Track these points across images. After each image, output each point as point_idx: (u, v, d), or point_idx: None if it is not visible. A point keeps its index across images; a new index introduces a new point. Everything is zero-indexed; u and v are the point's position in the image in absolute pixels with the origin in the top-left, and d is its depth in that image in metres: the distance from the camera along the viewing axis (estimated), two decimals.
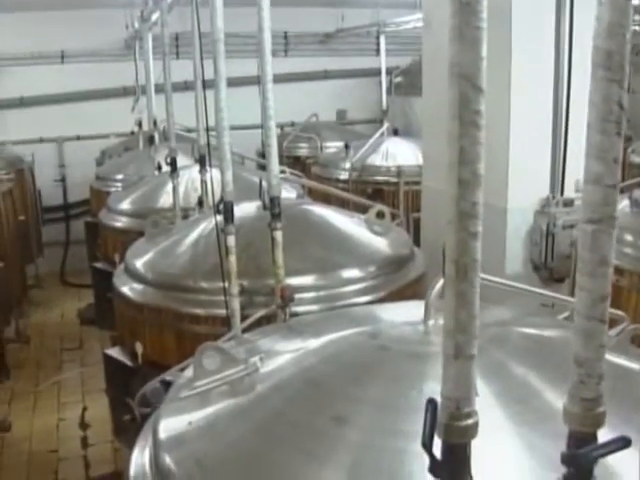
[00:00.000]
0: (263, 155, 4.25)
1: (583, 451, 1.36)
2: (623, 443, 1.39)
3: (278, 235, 3.56)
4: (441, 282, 2.35)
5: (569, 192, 4.61)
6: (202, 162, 5.73)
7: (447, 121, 1.26)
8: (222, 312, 3.70)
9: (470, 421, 1.35)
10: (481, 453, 1.41)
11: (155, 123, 8.63)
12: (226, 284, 3.66)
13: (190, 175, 6.49)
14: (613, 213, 1.27)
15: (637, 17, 9.46)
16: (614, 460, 1.45)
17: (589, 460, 1.36)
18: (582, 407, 1.36)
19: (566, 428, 1.40)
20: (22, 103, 11.44)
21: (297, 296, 3.61)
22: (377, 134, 9.64)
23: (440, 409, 1.36)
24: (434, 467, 1.38)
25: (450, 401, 1.34)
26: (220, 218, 3.71)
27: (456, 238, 1.28)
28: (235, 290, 3.64)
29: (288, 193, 6.38)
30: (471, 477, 1.39)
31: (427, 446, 1.37)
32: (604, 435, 1.40)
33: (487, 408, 1.76)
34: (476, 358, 1.35)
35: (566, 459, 1.38)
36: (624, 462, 1.59)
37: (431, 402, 1.38)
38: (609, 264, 1.30)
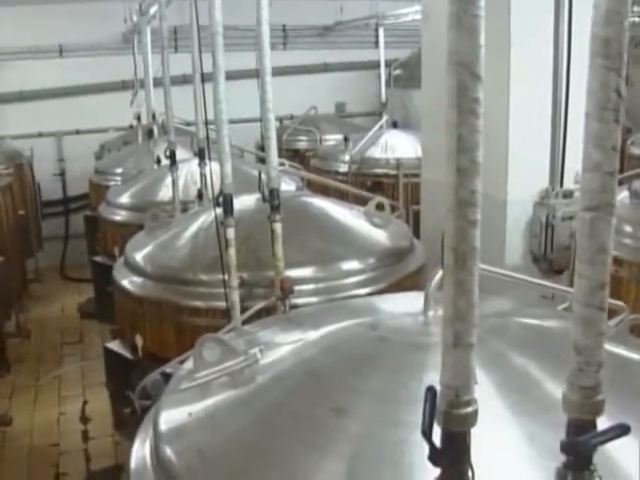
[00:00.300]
0: (262, 148, 4.25)
1: (582, 439, 1.36)
2: (622, 430, 1.39)
3: (277, 227, 3.56)
4: (440, 273, 2.35)
5: (568, 184, 4.61)
6: (201, 155, 5.73)
7: (446, 110, 1.26)
8: (222, 304, 3.70)
9: (469, 409, 1.35)
10: (481, 442, 1.41)
11: (154, 117, 8.63)
12: (226, 276, 3.66)
13: (189, 168, 6.49)
14: (611, 200, 1.27)
15: (636, 8, 9.45)
16: (613, 448, 1.45)
17: (588, 448, 1.36)
18: (581, 395, 1.36)
19: (566, 417, 1.40)
20: (21, 97, 11.42)
21: (297, 288, 3.61)
22: (376, 127, 9.62)
23: (439, 397, 1.36)
24: (434, 455, 1.38)
25: (449, 389, 1.34)
26: (219, 211, 3.71)
27: (455, 226, 1.28)
28: (235, 282, 3.64)
29: (287, 186, 6.38)
30: (471, 465, 1.39)
31: (427, 434, 1.37)
32: (603, 424, 1.40)
33: (487, 398, 1.77)
34: (476, 348, 1.35)
35: (565, 447, 1.38)
36: (623, 450, 1.60)
37: (430, 390, 1.38)
38: (608, 251, 1.30)
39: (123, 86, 11.45)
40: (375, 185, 8.35)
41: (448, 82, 1.24)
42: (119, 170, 8.74)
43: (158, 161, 7.13)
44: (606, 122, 1.24)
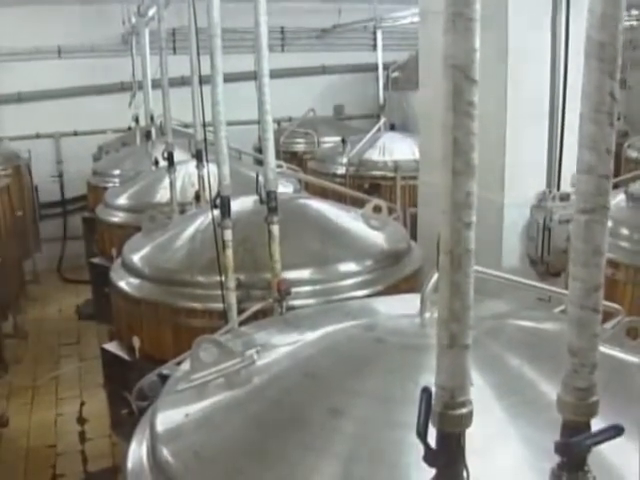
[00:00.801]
0: (260, 150, 4.26)
1: (576, 440, 1.37)
2: (615, 432, 1.39)
3: (275, 229, 3.56)
4: (436, 275, 2.36)
5: (566, 186, 4.61)
6: (199, 157, 5.73)
7: (441, 113, 1.27)
8: (219, 306, 3.70)
9: (464, 410, 1.35)
10: (476, 443, 1.42)
11: (152, 118, 8.63)
12: (223, 278, 3.66)
13: (187, 170, 6.49)
14: (605, 203, 1.27)
15: (635, 12, 9.47)
16: (607, 449, 1.45)
17: (582, 449, 1.37)
18: (575, 396, 1.37)
19: (560, 418, 1.41)
20: (19, 98, 11.41)
21: (294, 290, 3.61)
22: (374, 129, 9.62)
23: (435, 398, 1.36)
24: (429, 456, 1.38)
25: (444, 390, 1.35)
26: (217, 212, 3.71)
27: (450, 228, 1.28)
28: (232, 284, 3.65)
29: (285, 188, 6.38)
30: (466, 466, 1.39)
31: (422, 435, 1.37)
32: (598, 425, 1.40)
33: (482, 399, 1.77)
34: (472, 349, 1.35)
35: (559, 448, 1.38)
36: (617, 451, 1.60)
37: (425, 391, 1.38)
38: (602, 254, 1.31)
39: (121, 88, 11.46)
40: (372, 187, 8.35)
41: (444, 85, 1.24)
42: (117, 172, 8.74)
43: (156, 163, 7.13)
44: (600, 125, 1.25)
